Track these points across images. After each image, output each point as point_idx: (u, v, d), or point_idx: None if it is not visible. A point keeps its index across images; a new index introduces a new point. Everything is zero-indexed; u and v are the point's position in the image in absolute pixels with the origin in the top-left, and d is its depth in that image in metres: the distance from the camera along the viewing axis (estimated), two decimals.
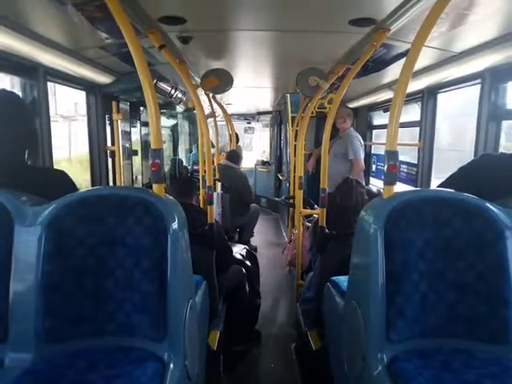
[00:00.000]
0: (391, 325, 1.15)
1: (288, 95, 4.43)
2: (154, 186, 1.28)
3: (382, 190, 1.30)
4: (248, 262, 2.84)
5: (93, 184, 3.01)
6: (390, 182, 1.25)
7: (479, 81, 2.18)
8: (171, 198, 1.33)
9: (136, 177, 4.15)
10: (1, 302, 1.15)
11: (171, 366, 1.15)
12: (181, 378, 1.20)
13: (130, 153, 3.84)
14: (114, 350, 1.16)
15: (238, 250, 2.91)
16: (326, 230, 2.26)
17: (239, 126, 8.41)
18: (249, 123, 8.70)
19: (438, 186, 1.51)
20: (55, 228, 1.17)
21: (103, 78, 2.71)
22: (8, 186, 1.26)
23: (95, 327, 1.18)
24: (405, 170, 3.33)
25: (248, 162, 7.44)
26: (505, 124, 2.14)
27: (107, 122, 3.13)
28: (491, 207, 1.18)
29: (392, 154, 1.24)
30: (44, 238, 1.16)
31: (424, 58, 2.21)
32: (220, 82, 2.65)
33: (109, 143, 3.16)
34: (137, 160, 4.22)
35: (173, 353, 1.18)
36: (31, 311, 1.14)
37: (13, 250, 1.16)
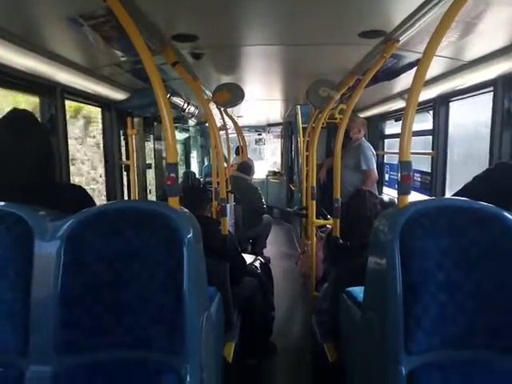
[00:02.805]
0: (410, 336, 1.13)
1: (298, 107, 4.47)
2: (170, 199, 1.30)
3: (395, 200, 1.29)
4: (262, 274, 2.83)
5: (108, 197, 3.07)
6: (404, 192, 1.25)
7: (492, 88, 2.17)
8: (186, 210, 1.35)
9: (149, 190, 4.22)
10: (21, 315, 1.17)
11: (188, 378, 1.16)
12: None
13: (143, 166, 3.91)
14: (131, 362, 1.17)
15: (252, 262, 2.92)
16: (340, 241, 2.25)
17: (250, 137, 8.49)
18: (259, 134, 8.78)
19: (452, 195, 1.50)
20: (74, 242, 1.20)
21: (118, 95, 2.78)
22: (27, 201, 1.30)
23: (113, 340, 1.19)
24: (418, 179, 3.30)
25: (259, 172, 7.47)
26: None
27: (122, 137, 3.20)
28: (508, 215, 1.17)
29: (405, 165, 1.24)
30: (63, 251, 1.18)
31: (435, 68, 2.22)
32: (231, 96, 2.70)
33: (123, 157, 3.23)
34: (150, 173, 4.29)
35: (189, 365, 1.18)
36: (51, 323, 1.16)
37: (33, 263, 1.19)
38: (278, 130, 8.08)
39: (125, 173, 3.28)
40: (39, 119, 1.97)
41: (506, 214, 1.16)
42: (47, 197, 1.41)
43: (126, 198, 3.27)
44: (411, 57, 2.05)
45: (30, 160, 1.44)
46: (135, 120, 3.40)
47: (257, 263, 2.96)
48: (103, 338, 1.19)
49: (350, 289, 1.76)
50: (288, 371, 2.64)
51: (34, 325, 1.16)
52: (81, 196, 1.55)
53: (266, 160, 9.28)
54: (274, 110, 5.54)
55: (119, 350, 1.19)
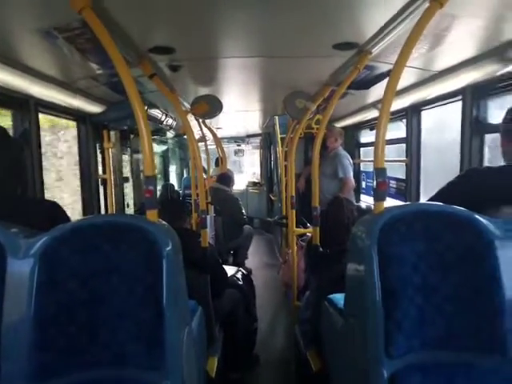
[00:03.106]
0: (390, 340, 1.15)
1: (276, 117, 4.52)
2: (148, 212, 1.28)
3: (372, 206, 1.32)
4: (243, 285, 2.81)
5: (84, 212, 3.00)
6: (379, 198, 1.28)
7: (460, 97, 2.26)
8: (165, 223, 1.34)
9: (127, 203, 4.15)
10: None
11: None
12: None
13: (121, 180, 3.85)
14: (110, 381, 1.14)
15: (233, 273, 2.89)
16: (320, 249, 2.27)
17: (229, 148, 8.50)
18: (238, 145, 8.81)
19: (427, 201, 1.54)
20: (48, 259, 1.15)
21: (94, 108, 2.74)
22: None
23: (90, 359, 1.15)
24: (394, 186, 3.38)
25: (239, 184, 7.47)
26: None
27: (98, 151, 3.15)
28: (480, 219, 1.20)
29: (380, 172, 1.27)
30: (37, 269, 1.14)
31: (406, 78, 2.29)
32: (209, 107, 2.71)
33: (100, 171, 3.18)
34: (127, 187, 4.23)
35: (171, 381, 1.16)
36: (24, 346, 1.11)
37: (5, 283, 1.14)
38: (257, 140, 8.13)
39: (101, 187, 3.23)
40: (11, 133, 1.92)
41: (478, 217, 1.20)
42: (20, 212, 1.37)
43: (102, 212, 3.20)
44: (383, 68, 2.11)
45: (1, 176, 1.40)
46: (111, 133, 3.35)
47: (238, 275, 2.94)
48: (79, 358, 1.14)
49: (331, 296, 1.77)
50: (272, 382, 2.61)
51: (6, 348, 1.11)
52: (55, 211, 1.51)
53: (246, 172, 9.30)
54: (253, 121, 5.58)
55: (96, 370, 1.15)
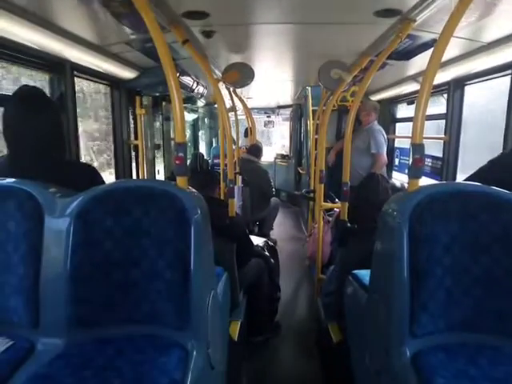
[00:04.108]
0: (415, 319, 1.14)
1: (309, 88, 4.39)
2: (178, 179, 1.31)
3: (405, 185, 1.28)
4: (268, 255, 2.85)
5: (117, 177, 3.09)
6: (415, 175, 1.24)
7: (510, 72, 2.11)
8: (194, 190, 1.36)
9: (158, 170, 4.23)
10: (32, 290, 1.20)
11: (194, 353, 1.18)
12: (204, 365, 1.23)
13: (152, 146, 3.91)
14: (140, 337, 1.20)
15: (258, 243, 2.93)
16: (348, 224, 2.25)
17: (259, 119, 8.41)
18: (268, 117, 8.68)
19: (465, 180, 1.48)
20: (83, 219, 1.21)
21: (127, 73, 2.76)
22: (38, 178, 1.31)
23: (123, 315, 1.22)
24: (429, 164, 3.26)
25: (267, 155, 7.43)
26: None
27: (130, 117, 3.19)
28: None
29: (418, 148, 1.22)
30: (73, 228, 1.20)
31: (451, 49, 2.14)
32: (241, 75, 2.66)
33: (132, 137, 3.23)
34: (159, 153, 4.29)
35: (196, 341, 1.21)
36: (62, 299, 1.19)
37: (43, 239, 1.21)
38: (288, 112, 7.98)
39: (134, 153, 3.30)
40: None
41: None
42: (59, 174, 1.42)
43: (134, 177, 3.29)
44: (427, 37, 1.98)
45: (42, 137, 1.44)
46: (144, 99, 3.38)
47: (263, 245, 2.97)
48: (113, 313, 1.21)
49: (356, 271, 1.77)
50: (292, 350, 2.68)
51: (45, 299, 1.19)
52: (92, 174, 1.56)
53: (275, 143, 9.20)
54: (284, 92, 5.47)
55: (128, 325, 1.22)
